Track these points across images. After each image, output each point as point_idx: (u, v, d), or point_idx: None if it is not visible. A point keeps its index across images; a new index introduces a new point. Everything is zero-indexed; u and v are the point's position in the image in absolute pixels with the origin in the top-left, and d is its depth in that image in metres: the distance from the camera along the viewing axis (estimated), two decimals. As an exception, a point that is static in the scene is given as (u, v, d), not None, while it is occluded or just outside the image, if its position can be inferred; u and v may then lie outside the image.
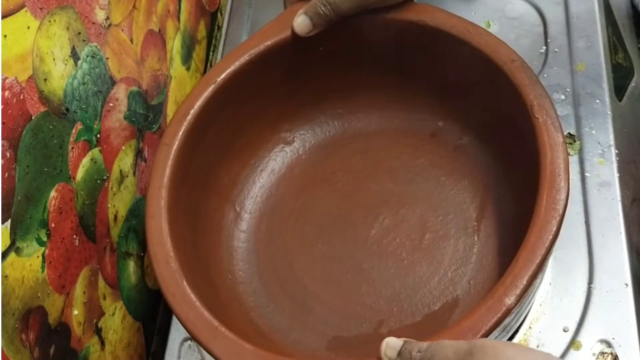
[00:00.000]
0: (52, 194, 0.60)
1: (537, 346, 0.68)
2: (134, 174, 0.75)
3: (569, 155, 0.73)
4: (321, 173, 0.78)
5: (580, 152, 0.75)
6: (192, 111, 0.68)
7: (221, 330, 0.56)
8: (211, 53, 1.01)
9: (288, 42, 0.70)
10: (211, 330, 0.56)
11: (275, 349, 0.65)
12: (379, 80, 0.76)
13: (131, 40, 0.75)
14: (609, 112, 0.78)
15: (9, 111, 0.53)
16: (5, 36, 0.53)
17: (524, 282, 0.52)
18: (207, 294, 0.63)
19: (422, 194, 0.74)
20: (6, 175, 0.53)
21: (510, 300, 0.51)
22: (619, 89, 0.81)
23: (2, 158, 0.52)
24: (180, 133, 0.67)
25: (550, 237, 0.53)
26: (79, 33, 0.64)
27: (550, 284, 0.70)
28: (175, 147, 0.66)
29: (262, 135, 0.78)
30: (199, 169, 0.70)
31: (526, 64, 0.62)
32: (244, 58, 0.70)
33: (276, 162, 0.79)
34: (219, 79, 0.69)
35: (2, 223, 0.53)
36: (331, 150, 0.79)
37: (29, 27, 0.56)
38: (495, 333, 0.52)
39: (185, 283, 0.59)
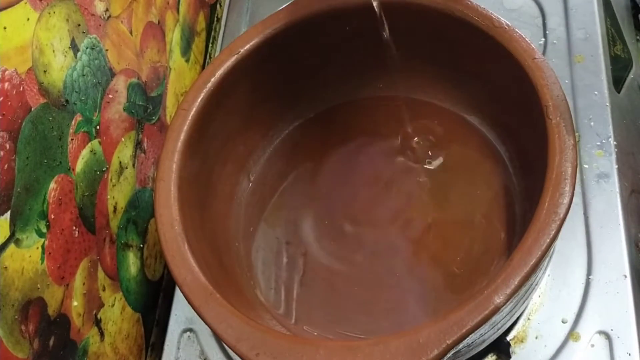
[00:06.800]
0: (52, 185, 0.60)
1: (536, 337, 0.68)
2: (134, 165, 0.75)
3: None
4: (340, 152, 0.78)
5: (579, 144, 0.76)
6: (212, 79, 0.68)
7: (215, 296, 0.56)
8: (210, 45, 1.01)
9: (314, 20, 0.70)
10: (205, 295, 0.56)
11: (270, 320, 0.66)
12: (403, 64, 0.76)
13: (130, 32, 0.75)
14: (608, 104, 0.78)
15: (9, 103, 0.53)
16: (4, 28, 0.53)
17: (515, 283, 0.51)
18: (210, 259, 0.63)
19: (438, 189, 0.74)
20: (6, 166, 0.53)
21: (499, 299, 0.51)
22: (617, 81, 0.81)
23: (1, 149, 0.52)
24: (199, 100, 0.67)
25: (548, 240, 0.53)
26: (79, 25, 0.64)
27: (549, 275, 0.70)
28: (192, 112, 0.66)
29: (282, 108, 0.78)
30: (215, 136, 0.71)
31: (547, 63, 0.62)
32: (269, 31, 0.70)
33: (294, 136, 0.79)
34: (242, 50, 0.69)
35: (2, 214, 0.53)
36: (352, 129, 0.79)
37: (28, 19, 0.56)
38: (485, 329, 0.52)
39: (186, 247, 0.59)
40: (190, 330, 0.76)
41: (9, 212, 0.53)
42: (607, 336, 0.66)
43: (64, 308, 0.62)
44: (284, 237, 0.74)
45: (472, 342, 0.56)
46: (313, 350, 0.51)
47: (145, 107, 0.79)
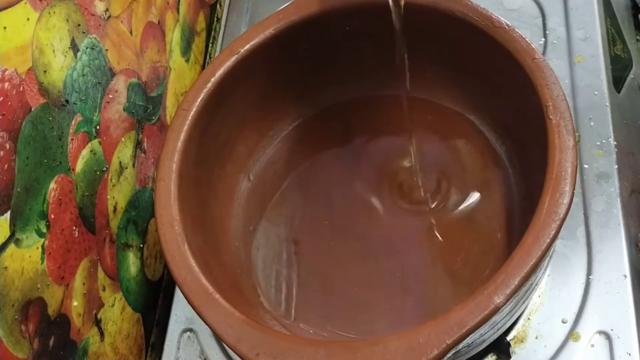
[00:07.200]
0: (52, 185, 0.60)
1: (536, 337, 0.68)
2: (134, 165, 0.75)
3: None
4: (340, 151, 0.79)
5: (579, 144, 0.76)
6: (212, 79, 0.68)
7: (215, 297, 0.56)
8: (210, 45, 1.01)
9: (315, 20, 0.70)
10: (205, 296, 0.56)
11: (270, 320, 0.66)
12: (403, 63, 0.76)
13: (130, 32, 0.75)
14: (608, 104, 0.78)
15: (9, 103, 0.53)
16: (4, 28, 0.53)
17: (516, 283, 0.51)
18: (210, 259, 0.63)
19: (437, 189, 0.74)
20: (6, 166, 0.53)
21: (499, 299, 0.51)
22: (617, 81, 0.81)
23: (1, 149, 0.52)
24: (199, 100, 0.67)
25: (548, 240, 0.53)
26: (79, 25, 0.64)
27: (549, 275, 0.70)
28: (192, 112, 0.66)
29: (283, 108, 0.78)
30: (215, 136, 0.71)
31: (547, 63, 0.62)
32: (269, 31, 0.70)
33: (294, 135, 0.79)
34: (242, 50, 0.69)
35: (2, 214, 0.53)
36: (352, 128, 0.79)
37: (28, 19, 0.56)
38: (485, 329, 0.52)
39: (186, 247, 0.59)
40: (190, 330, 0.76)
41: (9, 212, 0.53)
42: (607, 336, 0.66)
43: (64, 308, 0.62)
44: (284, 236, 0.74)
45: (472, 342, 0.56)
46: (313, 350, 0.51)
47: (145, 107, 0.79)
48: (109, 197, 0.70)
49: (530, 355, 0.67)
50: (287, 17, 0.70)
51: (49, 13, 0.59)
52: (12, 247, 0.54)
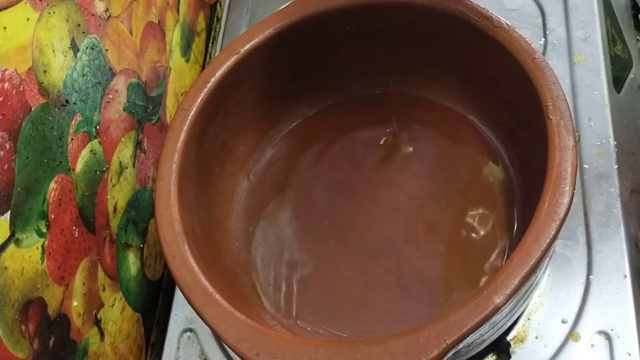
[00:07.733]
0: (52, 185, 0.60)
1: (536, 337, 0.68)
2: (134, 165, 0.75)
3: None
4: (340, 150, 0.78)
5: (579, 144, 0.76)
6: (212, 79, 0.68)
7: (215, 296, 0.56)
8: (210, 45, 1.01)
9: (315, 20, 0.70)
10: (205, 295, 0.56)
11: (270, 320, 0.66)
12: (403, 63, 0.76)
13: (130, 32, 0.75)
14: (608, 104, 0.78)
15: (9, 103, 0.53)
16: (4, 28, 0.53)
17: (515, 283, 0.51)
18: (210, 259, 0.63)
19: (437, 189, 0.74)
20: (6, 166, 0.53)
21: (499, 299, 0.51)
22: (617, 81, 0.81)
23: (1, 149, 0.52)
24: (199, 100, 0.67)
25: (548, 240, 0.53)
26: (79, 25, 0.64)
27: (549, 275, 0.70)
28: (192, 112, 0.66)
29: (282, 108, 0.78)
30: (215, 136, 0.71)
31: (547, 63, 0.62)
32: (269, 31, 0.70)
33: (295, 136, 0.79)
34: (242, 50, 0.69)
35: (2, 214, 0.53)
36: (352, 128, 0.79)
37: (28, 19, 0.56)
38: (485, 329, 0.52)
39: (186, 247, 0.59)
40: (190, 330, 0.76)
41: (9, 212, 0.53)
42: (607, 336, 0.66)
43: (64, 308, 0.62)
44: (283, 236, 0.74)
45: (472, 342, 0.56)
46: (313, 350, 0.51)
47: (145, 107, 0.79)
48: (109, 197, 0.70)
49: (530, 355, 0.67)
50: (287, 17, 0.70)
51: (49, 13, 0.59)
52: (12, 247, 0.54)
